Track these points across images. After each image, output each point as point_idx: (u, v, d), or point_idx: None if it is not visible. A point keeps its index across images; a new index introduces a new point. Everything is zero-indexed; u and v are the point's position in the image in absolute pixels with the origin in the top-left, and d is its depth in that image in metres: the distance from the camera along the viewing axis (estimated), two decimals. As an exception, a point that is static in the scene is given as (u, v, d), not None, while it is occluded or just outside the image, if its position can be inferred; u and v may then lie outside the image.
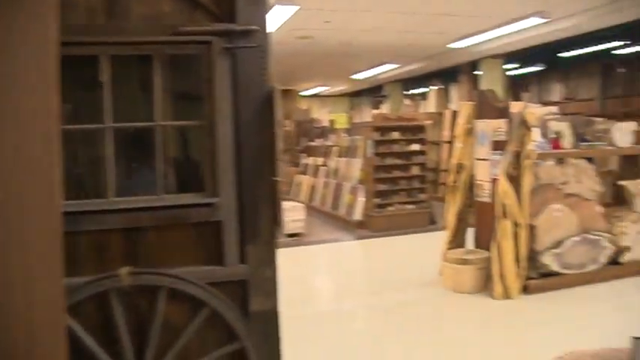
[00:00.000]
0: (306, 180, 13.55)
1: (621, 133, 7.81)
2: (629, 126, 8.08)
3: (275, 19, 8.98)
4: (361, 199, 10.41)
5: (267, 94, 2.96)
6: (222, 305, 2.88)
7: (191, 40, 2.88)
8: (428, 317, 5.88)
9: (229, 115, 2.94)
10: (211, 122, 2.92)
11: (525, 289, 6.35)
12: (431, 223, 10.40)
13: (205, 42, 2.87)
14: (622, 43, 13.99)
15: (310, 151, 14.46)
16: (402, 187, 10.52)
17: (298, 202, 11.12)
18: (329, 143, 13.37)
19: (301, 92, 22.33)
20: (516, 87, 18.47)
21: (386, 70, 15.91)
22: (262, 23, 2.94)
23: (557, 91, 17.66)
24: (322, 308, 6.34)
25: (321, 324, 5.73)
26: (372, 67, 15.73)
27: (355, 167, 10.98)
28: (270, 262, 3.03)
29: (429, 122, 11.86)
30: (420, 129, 10.85)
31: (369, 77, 17.57)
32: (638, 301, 6.19)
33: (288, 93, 20.65)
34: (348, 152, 11.74)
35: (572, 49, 14.75)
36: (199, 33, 2.87)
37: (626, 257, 7.02)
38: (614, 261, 6.99)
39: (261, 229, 3.00)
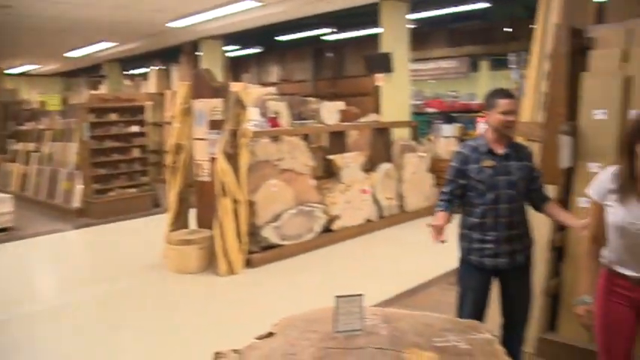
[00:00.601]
0: (16, 168, 12.22)
1: (329, 112, 8.47)
2: (336, 105, 8.81)
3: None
4: (79, 186, 9.73)
5: None
6: None
7: None
8: (154, 302, 5.69)
9: None
10: None
11: (249, 264, 6.55)
12: (155, 206, 10.16)
13: None
14: (330, 30, 15.16)
15: (20, 136, 13.06)
16: (123, 170, 10.07)
17: (6, 193, 9.97)
18: (41, 127, 12.21)
19: (7, 70, 20.04)
20: (237, 68, 18.97)
21: (103, 48, 15.04)
22: None
23: (274, 73, 18.57)
24: (38, 307, 5.72)
25: (39, 324, 5.19)
26: (88, 45, 14.74)
27: (71, 152, 10.20)
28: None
29: (149, 103, 11.52)
30: (140, 110, 10.47)
31: (85, 56, 16.45)
32: (345, 265, 6.80)
33: (-10, 71, 18.40)
34: (63, 136, 10.86)
35: (288, 34, 15.59)
36: None
37: (337, 225, 7.67)
38: (326, 229, 7.59)
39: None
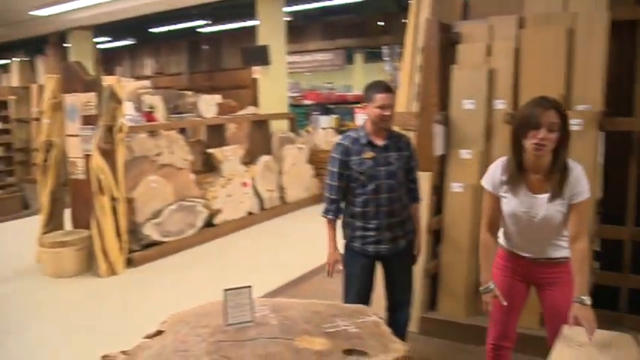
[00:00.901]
0: None
1: (207, 105, 8.39)
2: (214, 98, 8.74)
3: None
4: None
5: None
6: None
7: None
8: (32, 309, 5.35)
9: None
10: None
11: (130, 263, 6.36)
12: (25, 207, 9.58)
13: None
14: (205, 22, 14.96)
15: None
16: (-14, 170, 9.42)
17: None
18: None
19: None
20: (109, 61, 18.24)
21: (-45, 37, 13.89)
22: None
23: (149, 66, 18.07)
24: None
25: None
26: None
27: None
28: None
29: (12, 98, 10.79)
30: (2, 105, 9.80)
31: None
32: (229, 258, 6.80)
33: None
34: None
35: (162, 25, 15.20)
36: None
37: (219, 219, 7.63)
38: (209, 223, 7.52)
39: None
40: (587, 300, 2.41)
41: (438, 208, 4.21)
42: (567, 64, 3.82)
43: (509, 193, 2.63)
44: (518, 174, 2.58)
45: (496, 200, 2.71)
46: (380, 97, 3.16)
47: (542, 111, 2.42)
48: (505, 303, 2.66)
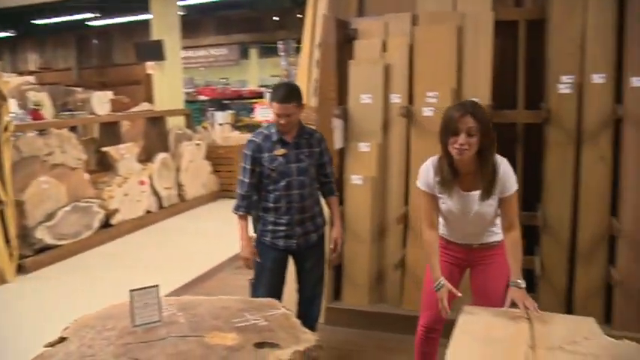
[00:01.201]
0: None
1: (99, 102, 8.11)
2: (106, 95, 8.45)
3: None
4: None
5: None
6: None
7: None
8: None
9: None
10: None
11: (21, 270, 6.02)
12: None
13: None
14: (94, 15, 14.40)
15: None
16: None
17: None
18: None
19: None
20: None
21: None
22: None
23: (33, 60, 17.17)
24: None
25: None
26: None
27: None
28: None
29: None
30: None
31: None
32: (129, 259, 6.62)
33: None
34: None
35: (47, 17, 14.49)
36: None
37: (116, 219, 7.40)
38: (106, 224, 7.28)
39: None
40: (522, 283, 2.58)
41: (339, 200, 4.31)
42: (458, 60, 4.02)
43: (444, 193, 2.71)
44: (451, 176, 2.67)
45: (434, 199, 2.77)
46: (275, 107, 3.18)
47: (459, 117, 2.51)
48: (460, 294, 2.71)
